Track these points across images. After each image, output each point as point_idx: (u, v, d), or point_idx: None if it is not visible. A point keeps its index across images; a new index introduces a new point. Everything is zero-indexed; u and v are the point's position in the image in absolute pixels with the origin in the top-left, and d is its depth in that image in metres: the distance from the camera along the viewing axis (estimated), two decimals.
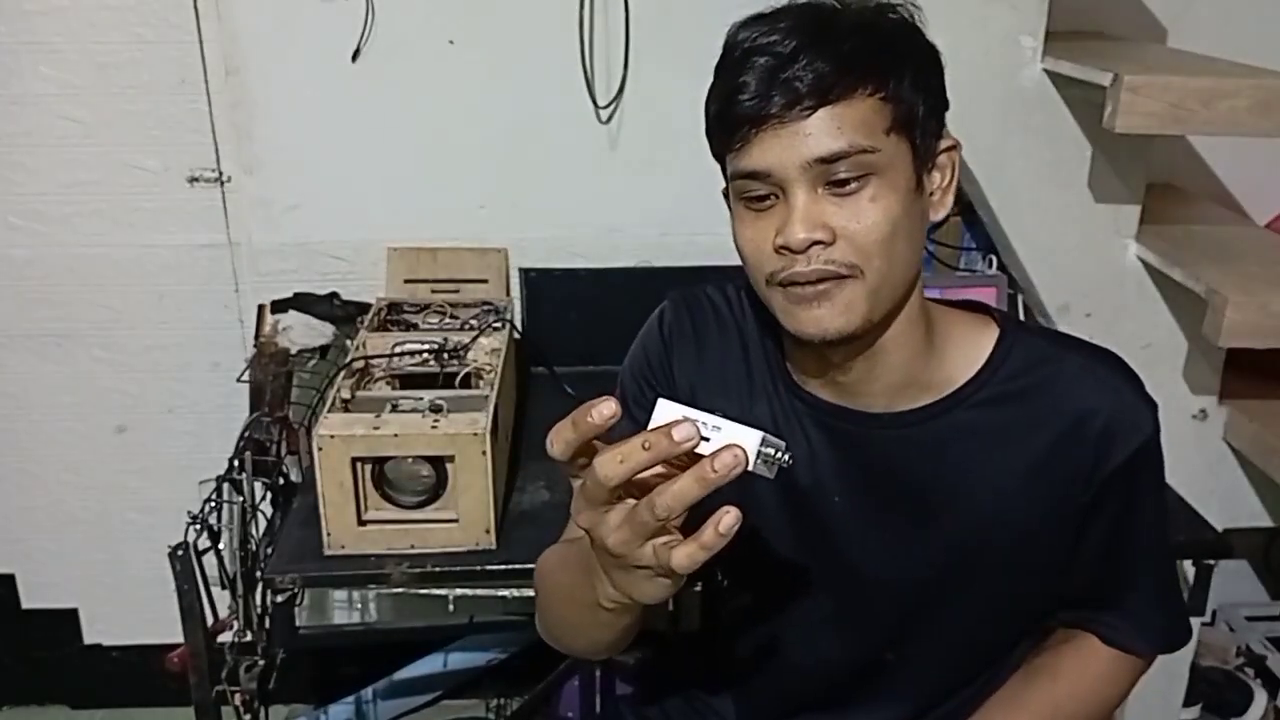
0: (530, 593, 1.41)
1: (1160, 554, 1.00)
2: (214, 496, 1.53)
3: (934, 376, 0.92)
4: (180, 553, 1.42)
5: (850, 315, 0.83)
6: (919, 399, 0.92)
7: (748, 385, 0.98)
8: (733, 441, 0.67)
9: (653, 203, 1.87)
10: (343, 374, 1.45)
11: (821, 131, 0.79)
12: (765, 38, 0.80)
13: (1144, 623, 1.00)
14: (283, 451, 1.65)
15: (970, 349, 0.93)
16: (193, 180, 1.84)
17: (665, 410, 0.69)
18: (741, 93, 0.80)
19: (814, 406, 0.94)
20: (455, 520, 1.35)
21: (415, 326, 1.65)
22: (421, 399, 1.40)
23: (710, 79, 0.85)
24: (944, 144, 0.87)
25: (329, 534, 1.33)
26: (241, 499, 1.56)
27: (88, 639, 2.14)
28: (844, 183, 0.80)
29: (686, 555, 0.68)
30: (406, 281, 1.83)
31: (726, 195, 0.89)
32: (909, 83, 0.82)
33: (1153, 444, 0.92)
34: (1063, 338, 1.01)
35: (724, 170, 0.87)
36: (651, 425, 0.68)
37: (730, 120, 0.81)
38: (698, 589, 1.17)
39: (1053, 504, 0.92)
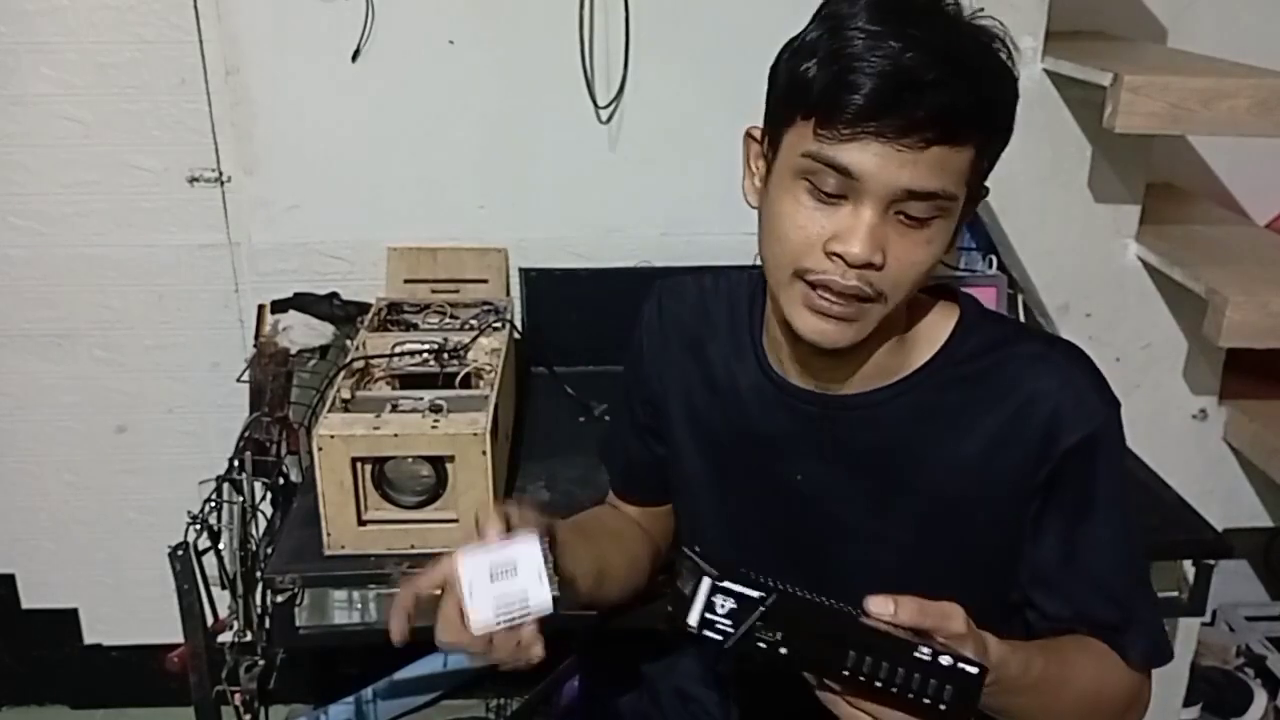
0: None
1: (1124, 558, 0.95)
2: (214, 496, 1.53)
3: (897, 359, 0.93)
4: (180, 553, 1.43)
5: (859, 333, 0.85)
6: (880, 381, 0.93)
7: (723, 367, 1.00)
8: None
9: (653, 203, 1.87)
10: (343, 374, 1.45)
11: (926, 167, 0.77)
12: (892, 41, 0.75)
13: (1120, 637, 0.94)
14: (283, 451, 1.65)
15: (932, 333, 0.94)
16: (193, 180, 1.84)
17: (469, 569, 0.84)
18: (856, 90, 0.75)
19: (782, 388, 0.96)
20: (455, 520, 1.35)
21: (415, 326, 1.65)
22: (421, 399, 1.40)
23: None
24: (983, 193, 0.87)
25: (329, 534, 1.33)
26: (241, 499, 1.56)
27: (88, 639, 2.14)
28: (918, 219, 0.80)
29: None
30: (406, 281, 1.83)
31: (758, 138, 0.87)
32: (999, 140, 0.82)
33: (1105, 437, 0.90)
34: (1022, 328, 1.01)
35: (778, 128, 0.83)
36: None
37: (832, 110, 0.77)
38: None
39: (1006, 486, 0.92)
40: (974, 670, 0.71)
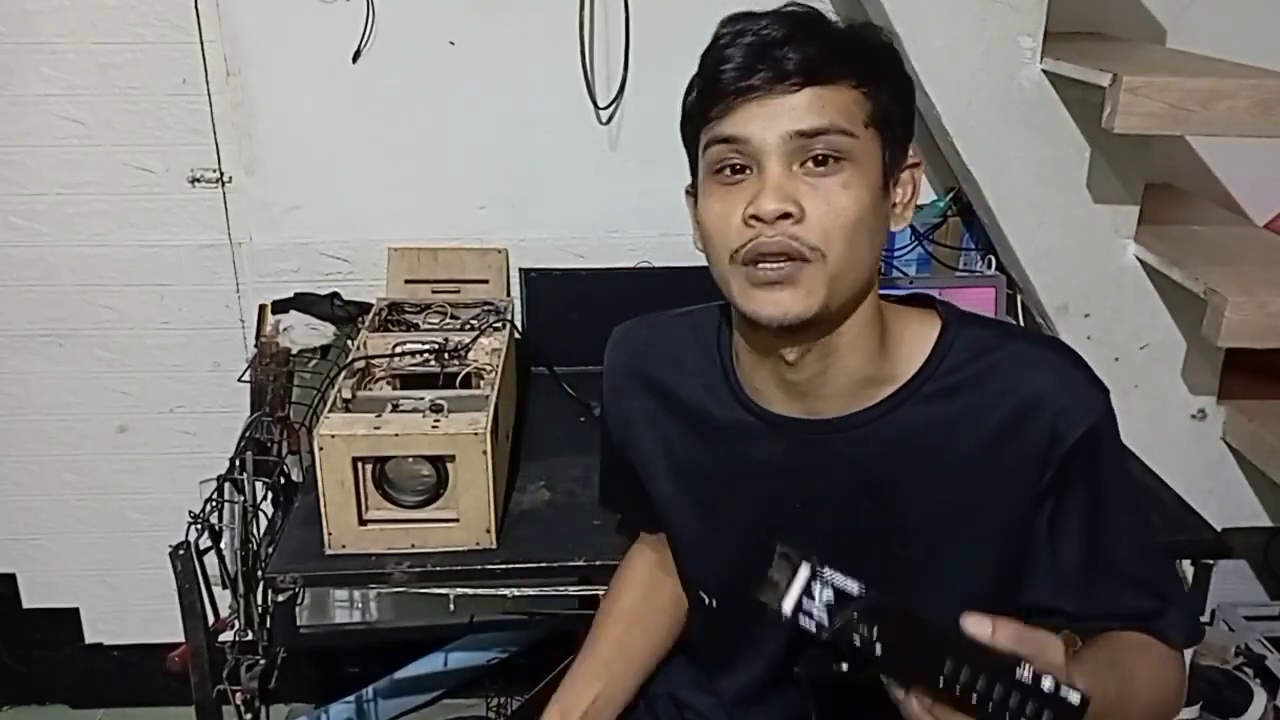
0: (531, 592, 1.42)
1: (1147, 542, 0.96)
2: (215, 496, 1.53)
3: (881, 374, 0.92)
4: (181, 552, 1.43)
5: (810, 300, 0.83)
6: (869, 399, 0.92)
7: (697, 407, 0.99)
8: None
9: (653, 203, 1.87)
10: (343, 374, 1.46)
11: (805, 108, 0.81)
12: (752, 25, 0.83)
13: (1160, 623, 0.94)
14: (284, 451, 1.65)
15: (915, 344, 0.93)
16: (194, 180, 1.84)
17: None
18: (726, 64, 0.82)
19: (766, 419, 0.95)
20: (456, 520, 1.35)
21: (416, 326, 1.65)
22: (422, 399, 1.40)
23: None
24: (910, 160, 0.89)
25: (330, 533, 1.33)
26: (242, 498, 1.57)
27: (88, 639, 2.14)
28: (821, 160, 0.82)
29: None
30: (407, 281, 1.83)
31: (690, 191, 0.92)
32: (888, 90, 0.85)
33: (1104, 425, 0.90)
34: (1006, 327, 1.00)
35: (694, 159, 0.90)
36: None
37: (713, 91, 0.84)
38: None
39: (1011, 488, 0.91)
40: (1075, 699, 0.66)
